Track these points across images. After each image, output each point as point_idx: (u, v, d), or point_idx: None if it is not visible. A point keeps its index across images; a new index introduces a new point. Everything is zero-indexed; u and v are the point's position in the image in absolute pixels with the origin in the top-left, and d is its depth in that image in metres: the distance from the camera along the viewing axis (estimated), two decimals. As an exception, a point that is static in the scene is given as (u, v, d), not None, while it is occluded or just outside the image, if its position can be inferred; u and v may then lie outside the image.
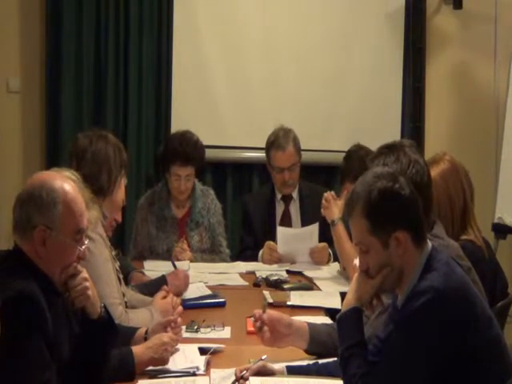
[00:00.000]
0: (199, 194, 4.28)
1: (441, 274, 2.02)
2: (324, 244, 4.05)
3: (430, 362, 1.96)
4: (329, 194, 3.83)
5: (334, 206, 3.80)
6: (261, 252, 4.11)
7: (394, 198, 2.06)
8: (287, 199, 4.41)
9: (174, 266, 3.49)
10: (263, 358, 2.37)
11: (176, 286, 3.22)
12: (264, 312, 2.51)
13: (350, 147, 4.07)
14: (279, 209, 4.41)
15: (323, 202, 3.83)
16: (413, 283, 2.05)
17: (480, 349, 2.00)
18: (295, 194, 4.42)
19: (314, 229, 4.03)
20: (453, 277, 2.03)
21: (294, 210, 4.41)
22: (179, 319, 2.68)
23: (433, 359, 1.96)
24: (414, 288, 2.03)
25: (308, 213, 4.34)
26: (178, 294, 3.08)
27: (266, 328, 2.49)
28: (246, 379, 2.25)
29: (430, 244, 2.12)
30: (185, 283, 3.31)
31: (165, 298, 2.98)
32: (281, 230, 4.07)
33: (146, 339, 2.54)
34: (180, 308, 2.96)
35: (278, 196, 4.41)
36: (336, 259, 3.99)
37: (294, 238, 4.04)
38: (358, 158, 3.82)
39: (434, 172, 3.00)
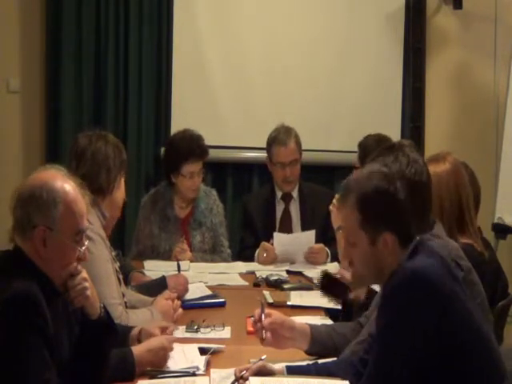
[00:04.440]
0: (202, 195, 4.28)
1: (419, 258, 2.03)
2: (321, 245, 4.05)
3: (406, 344, 1.95)
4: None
5: None
6: (257, 252, 4.12)
7: (388, 199, 2.07)
8: (287, 198, 4.42)
9: (179, 269, 3.48)
10: (262, 358, 2.37)
11: (176, 289, 3.22)
12: (263, 311, 2.50)
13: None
14: (279, 208, 4.41)
15: (334, 201, 3.78)
16: None
17: (458, 336, 1.98)
18: (295, 194, 4.42)
19: (310, 235, 4.04)
20: (428, 260, 2.03)
21: (294, 209, 4.41)
22: (172, 327, 2.67)
23: (410, 340, 1.95)
24: None
25: (308, 212, 4.36)
26: (178, 298, 3.08)
27: (265, 332, 2.49)
28: (246, 379, 2.24)
29: (416, 238, 2.12)
30: (185, 288, 3.31)
31: (167, 299, 2.99)
32: (277, 236, 4.08)
33: (139, 340, 2.55)
34: (180, 310, 2.97)
35: (278, 195, 4.42)
36: (335, 259, 3.99)
37: (291, 243, 4.05)
38: (375, 139, 3.89)
39: (431, 170, 2.98)
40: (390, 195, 2.06)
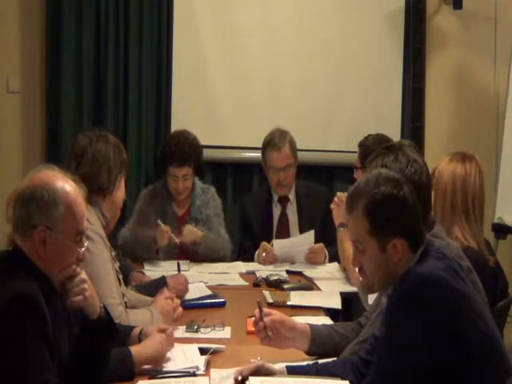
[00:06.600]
0: (199, 192, 4.29)
1: (427, 261, 2.04)
2: (320, 245, 4.04)
3: (415, 346, 1.96)
4: (342, 195, 3.67)
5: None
6: (257, 252, 4.12)
7: (398, 205, 2.07)
8: (284, 202, 4.40)
9: (179, 269, 3.48)
10: (258, 359, 2.37)
11: (176, 289, 3.22)
12: (260, 311, 2.50)
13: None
14: (276, 211, 4.40)
15: (335, 199, 3.75)
16: None
17: (467, 337, 1.99)
18: (292, 196, 4.40)
19: (309, 236, 4.03)
20: (438, 264, 2.03)
21: (291, 212, 4.39)
22: (170, 329, 2.68)
23: (419, 342, 1.95)
24: None
25: (306, 213, 4.34)
26: (178, 298, 3.09)
27: (267, 330, 2.48)
28: (246, 379, 2.24)
29: (426, 239, 2.12)
30: (185, 288, 3.32)
31: (166, 299, 2.99)
32: (276, 243, 4.07)
33: (139, 340, 2.55)
34: (180, 309, 2.96)
35: (275, 198, 4.40)
36: (335, 259, 3.99)
37: (291, 246, 4.05)
38: (375, 139, 3.85)
39: (440, 166, 3.02)
40: (398, 201, 2.06)
